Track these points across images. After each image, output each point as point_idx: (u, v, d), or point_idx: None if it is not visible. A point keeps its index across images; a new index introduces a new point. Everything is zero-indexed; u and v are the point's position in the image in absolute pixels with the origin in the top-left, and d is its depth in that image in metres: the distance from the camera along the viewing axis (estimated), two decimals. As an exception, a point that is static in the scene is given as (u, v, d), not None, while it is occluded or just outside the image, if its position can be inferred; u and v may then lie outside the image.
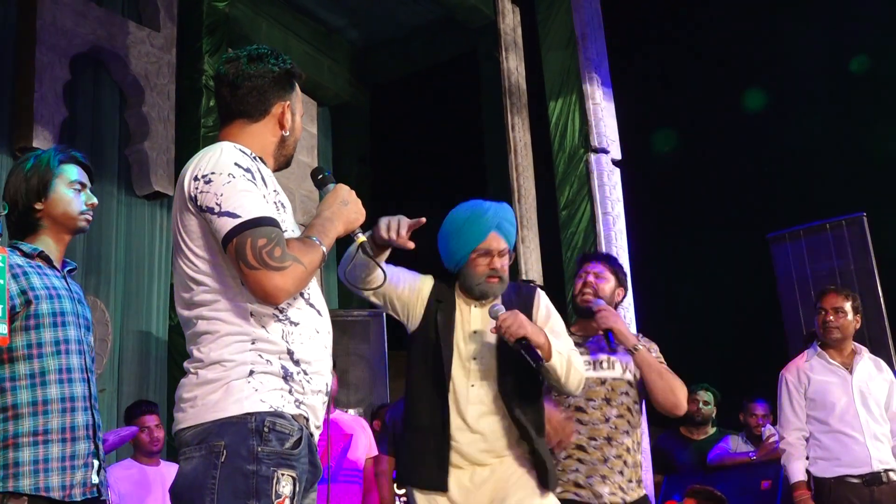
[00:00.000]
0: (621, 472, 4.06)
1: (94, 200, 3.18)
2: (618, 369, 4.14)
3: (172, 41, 8.37)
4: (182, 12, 8.46)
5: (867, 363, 5.13)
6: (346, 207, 2.57)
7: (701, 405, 7.32)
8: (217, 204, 2.38)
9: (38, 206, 3.06)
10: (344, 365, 7.85)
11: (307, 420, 2.46)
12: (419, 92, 10.71)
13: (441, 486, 3.40)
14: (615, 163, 7.62)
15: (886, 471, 4.93)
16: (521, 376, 3.49)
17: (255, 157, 2.53)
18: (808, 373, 5.11)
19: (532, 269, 8.82)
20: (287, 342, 2.44)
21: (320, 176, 2.71)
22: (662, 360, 4.28)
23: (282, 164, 2.72)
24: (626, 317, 6.86)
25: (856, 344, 5.18)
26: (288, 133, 2.67)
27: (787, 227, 7.58)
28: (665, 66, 10.05)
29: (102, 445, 3.02)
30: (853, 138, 8.97)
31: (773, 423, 7.14)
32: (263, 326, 2.42)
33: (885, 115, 8.75)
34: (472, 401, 3.45)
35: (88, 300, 3.46)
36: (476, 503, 3.42)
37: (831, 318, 5.07)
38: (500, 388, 3.47)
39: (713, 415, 7.38)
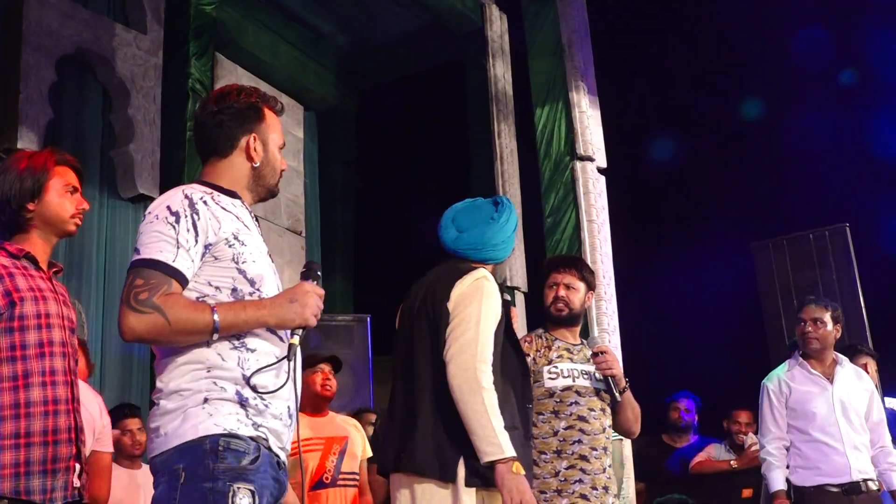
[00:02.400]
0: (614, 482, 4.20)
1: (86, 205, 3.17)
2: (604, 383, 4.24)
3: (159, 44, 8.35)
4: (169, 15, 8.43)
5: (848, 373, 5.17)
6: (289, 305, 2.55)
7: (683, 412, 7.36)
8: (137, 240, 2.54)
9: (31, 206, 3.04)
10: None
11: (267, 440, 2.51)
12: (406, 98, 10.71)
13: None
14: (600, 171, 7.64)
15: (865, 480, 4.96)
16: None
17: (203, 200, 2.58)
18: (790, 382, 5.14)
19: (517, 275, 8.86)
20: (242, 368, 2.50)
21: (304, 269, 2.71)
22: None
23: (263, 194, 2.80)
24: (608, 324, 6.90)
25: (836, 354, 5.21)
26: (259, 164, 2.73)
27: (770, 236, 7.63)
28: (651, 75, 10.09)
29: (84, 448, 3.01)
30: (838, 149, 9.02)
31: (756, 432, 7.18)
32: (219, 354, 2.49)
33: (871, 126, 8.81)
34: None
35: None
36: None
37: (810, 329, 5.10)
38: None
39: (695, 422, 7.42)
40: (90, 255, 7.60)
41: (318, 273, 2.68)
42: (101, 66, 7.95)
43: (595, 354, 4.18)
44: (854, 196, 8.46)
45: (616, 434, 4.40)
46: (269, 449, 2.52)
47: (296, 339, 2.58)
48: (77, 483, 2.88)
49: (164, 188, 2.55)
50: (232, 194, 2.69)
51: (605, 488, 4.10)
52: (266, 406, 2.52)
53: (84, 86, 7.94)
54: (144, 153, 8.03)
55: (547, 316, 4.38)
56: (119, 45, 7.96)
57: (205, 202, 2.58)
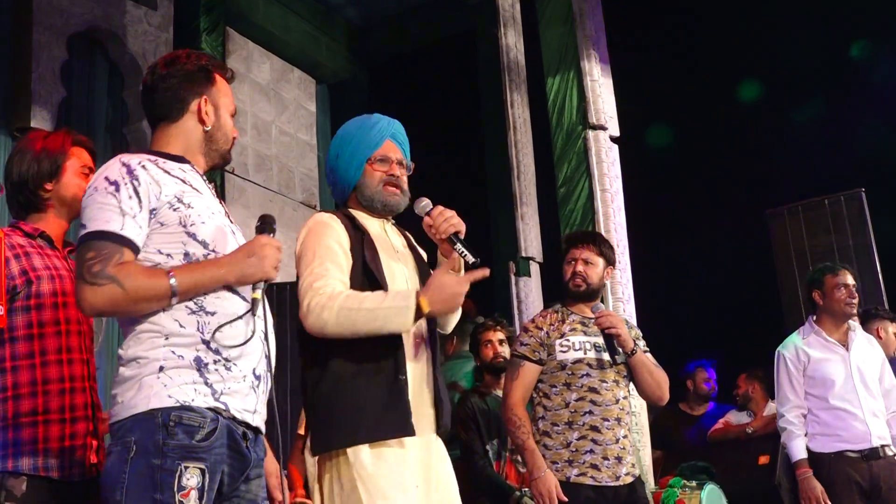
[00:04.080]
0: (630, 452, 4.21)
1: None
2: (622, 354, 4.25)
3: (169, 20, 8.35)
4: (179, -10, 8.44)
5: (861, 340, 5.18)
6: (248, 259, 2.51)
7: (706, 383, 7.36)
8: (81, 216, 2.51)
9: (48, 186, 3.07)
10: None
11: (227, 410, 2.46)
12: (418, 70, 10.68)
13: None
14: (613, 139, 7.60)
15: (883, 446, 4.99)
16: None
17: (142, 166, 2.51)
18: (807, 349, 5.15)
19: (532, 245, 8.84)
20: (202, 332, 2.46)
21: (258, 224, 2.62)
22: (646, 346, 4.44)
23: (216, 160, 2.74)
24: (623, 293, 6.88)
25: (849, 320, 5.22)
26: (211, 127, 2.69)
27: (785, 203, 7.58)
28: (663, 42, 10.01)
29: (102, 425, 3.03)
30: (854, 114, 8.94)
31: (772, 398, 7.18)
32: (177, 320, 2.46)
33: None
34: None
35: None
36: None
37: (856, 294, 5.14)
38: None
39: (714, 392, 7.42)
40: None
41: (274, 226, 2.60)
42: (112, 44, 7.96)
43: (596, 318, 4.23)
44: (869, 161, 8.39)
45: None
46: (233, 419, 2.47)
47: (258, 293, 2.53)
48: (94, 460, 2.90)
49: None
50: (179, 159, 2.64)
51: (619, 458, 4.13)
52: (228, 369, 2.48)
53: (95, 63, 7.96)
54: (157, 129, 8.06)
55: (565, 291, 4.42)
56: (130, 21, 7.97)
57: (143, 167, 2.52)
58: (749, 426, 6.90)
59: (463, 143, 9.61)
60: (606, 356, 4.23)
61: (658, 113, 9.67)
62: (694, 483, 5.82)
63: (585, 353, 4.23)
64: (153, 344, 2.44)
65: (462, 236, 3.06)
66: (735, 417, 7.12)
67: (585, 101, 7.56)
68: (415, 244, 3.29)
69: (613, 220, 7.17)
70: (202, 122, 2.69)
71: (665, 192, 9.51)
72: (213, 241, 2.54)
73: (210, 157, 2.73)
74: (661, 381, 4.32)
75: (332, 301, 2.85)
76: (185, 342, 2.45)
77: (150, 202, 2.49)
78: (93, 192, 2.49)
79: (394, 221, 3.29)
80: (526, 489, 5.00)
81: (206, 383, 2.44)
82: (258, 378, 2.55)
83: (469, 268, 3.06)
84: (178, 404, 2.39)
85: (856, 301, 5.16)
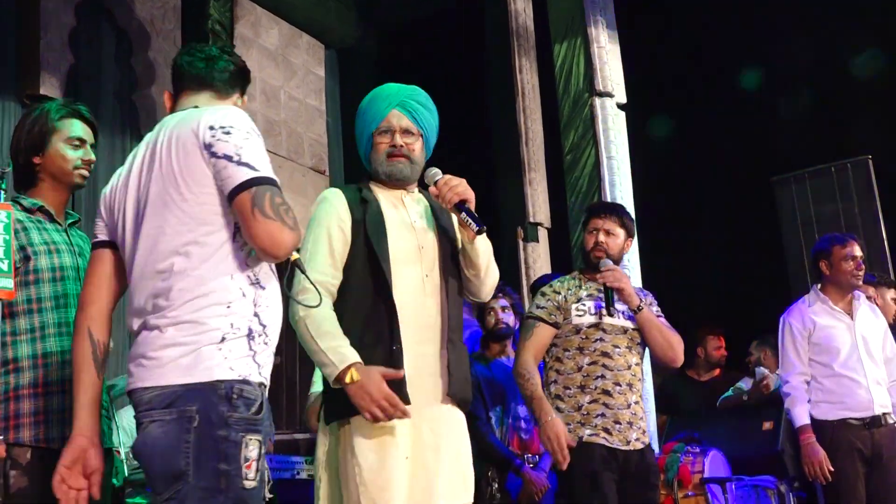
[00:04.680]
0: (641, 418, 4.25)
1: (92, 157, 3.21)
2: (631, 322, 4.29)
3: (178, -15, 8.35)
4: (187, -45, 8.43)
5: (865, 308, 5.21)
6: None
7: (714, 350, 7.39)
8: (237, 154, 2.42)
9: (37, 160, 3.12)
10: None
11: (265, 386, 2.51)
12: (426, 34, 10.63)
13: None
14: (620, 106, 7.59)
15: (885, 414, 5.03)
16: (456, 270, 3.24)
17: None
18: (813, 317, 5.18)
19: (540, 210, 8.85)
20: (255, 305, 2.47)
21: None
22: (660, 311, 4.44)
23: None
24: (629, 261, 6.90)
25: (855, 290, 5.24)
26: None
27: (791, 170, 7.57)
28: (671, 8, 9.94)
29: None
30: (861, 80, 8.89)
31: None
32: (241, 288, 2.46)
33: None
34: (428, 293, 3.14)
35: None
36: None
37: (862, 266, 5.17)
38: (445, 280, 3.19)
39: (723, 360, 7.45)
40: (115, 199, 7.67)
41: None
42: (120, 10, 7.97)
43: (601, 272, 4.26)
44: (876, 128, 8.35)
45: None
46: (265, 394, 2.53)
47: (296, 254, 2.59)
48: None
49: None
50: None
51: (630, 423, 4.17)
52: (267, 344, 2.51)
53: (102, 30, 7.97)
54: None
55: (585, 260, 4.44)
56: (138, -13, 7.97)
57: None
58: (745, 395, 6.94)
59: (471, 108, 9.58)
60: (620, 321, 4.26)
61: (666, 79, 9.62)
62: (697, 449, 5.87)
63: (600, 318, 4.26)
64: (216, 311, 2.41)
65: (471, 205, 3.09)
66: (748, 385, 7.15)
67: (592, 68, 7.54)
68: (440, 212, 3.25)
69: (620, 188, 7.18)
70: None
71: (672, 157, 9.49)
72: None
73: None
74: (673, 341, 4.29)
75: (308, 313, 2.95)
76: (244, 312, 2.44)
77: None
78: (247, 135, 2.47)
79: (419, 189, 3.31)
80: (529, 455, 5.06)
81: (255, 358, 2.46)
82: (273, 356, 2.60)
83: (476, 234, 3.10)
84: (239, 378, 2.41)
85: (862, 273, 5.18)
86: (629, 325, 4.29)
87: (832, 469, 4.99)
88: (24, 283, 2.96)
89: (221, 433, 2.35)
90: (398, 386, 2.95)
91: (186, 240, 2.44)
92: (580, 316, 4.28)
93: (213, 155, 2.42)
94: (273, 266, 2.57)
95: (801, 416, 5.15)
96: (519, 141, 8.91)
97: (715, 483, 5.72)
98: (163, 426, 2.37)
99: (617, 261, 4.38)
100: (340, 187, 3.23)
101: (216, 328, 2.40)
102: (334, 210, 3.11)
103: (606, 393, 4.17)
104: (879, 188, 7.03)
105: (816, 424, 5.11)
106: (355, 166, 10.50)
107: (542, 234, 8.86)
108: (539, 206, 8.84)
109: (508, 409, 5.08)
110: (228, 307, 2.42)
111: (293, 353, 6.98)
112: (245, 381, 2.41)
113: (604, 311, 4.27)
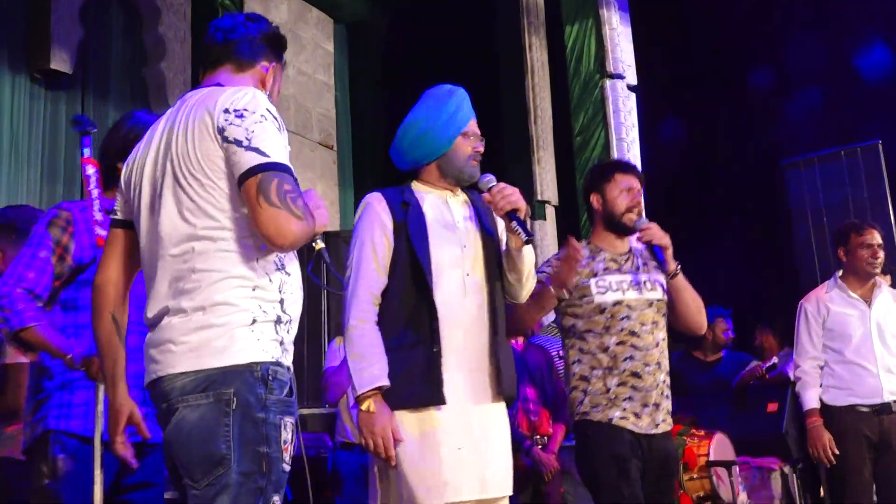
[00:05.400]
0: (667, 398, 3.91)
1: None
2: (658, 290, 3.91)
3: (188, -40, 8.33)
4: (197, -70, 8.40)
5: (886, 296, 5.22)
6: (318, 211, 2.49)
7: (722, 333, 7.42)
8: (247, 138, 2.32)
9: (119, 166, 3.13)
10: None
11: (291, 369, 2.46)
12: (436, 10, 10.59)
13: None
14: (630, 88, 7.58)
15: (895, 401, 5.05)
16: (498, 271, 3.29)
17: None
18: (828, 304, 5.21)
19: (548, 189, 8.88)
20: (281, 292, 2.42)
21: None
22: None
23: None
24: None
25: (877, 277, 5.25)
26: (267, 94, 2.57)
27: (801, 154, 7.55)
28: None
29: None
30: (870, 65, 8.86)
31: (781, 348, 7.27)
32: (266, 273, 2.39)
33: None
34: (470, 292, 3.18)
35: None
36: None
37: (880, 254, 5.15)
38: (487, 279, 3.23)
39: (729, 342, 7.48)
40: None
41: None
42: (130, -16, 7.95)
43: (642, 230, 3.86)
44: (887, 113, 8.33)
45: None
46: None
47: (321, 243, 2.57)
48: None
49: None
50: None
51: (657, 405, 3.81)
52: (288, 332, 2.44)
53: (112, 5, 7.95)
54: (176, 71, 8.08)
55: (613, 224, 3.96)
56: (148, -39, 7.95)
57: None
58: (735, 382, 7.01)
59: (480, 86, 9.54)
60: (645, 294, 3.86)
61: (676, 61, 9.59)
62: (703, 432, 5.92)
63: (624, 294, 3.87)
64: (242, 294, 2.34)
65: (521, 214, 3.15)
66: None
67: (603, 50, 7.55)
68: (484, 213, 3.30)
69: (629, 170, 7.17)
70: (263, 84, 2.62)
71: (682, 140, 9.48)
72: None
73: None
74: (701, 306, 3.98)
75: (349, 327, 3.08)
76: (270, 297, 2.38)
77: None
78: (262, 119, 2.36)
79: (460, 191, 3.34)
80: (538, 436, 5.11)
81: (282, 343, 2.40)
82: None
83: (524, 244, 3.17)
84: (273, 360, 2.36)
85: (879, 261, 5.16)
86: (654, 296, 3.89)
87: (836, 452, 5.03)
88: (86, 282, 2.98)
89: (261, 416, 2.30)
90: (436, 387, 3.03)
91: (205, 224, 2.36)
92: (602, 293, 3.87)
93: (225, 139, 2.33)
94: (295, 253, 2.52)
95: (811, 400, 5.20)
96: (528, 119, 8.92)
97: (720, 466, 5.78)
98: (198, 410, 2.29)
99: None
100: (381, 190, 3.27)
101: (246, 309, 2.34)
102: (376, 215, 3.17)
103: (636, 375, 3.79)
104: (889, 173, 7.01)
105: (826, 409, 5.16)
106: (363, 142, 10.58)
107: (550, 212, 8.88)
108: (547, 184, 8.86)
109: (517, 393, 5.11)
110: (254, 290, 2.36)
111: (300, 330, 7.03)
112: (278, 364, 2.36)
113: (645, 282, 3.86)
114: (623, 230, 3.94)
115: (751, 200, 8.86)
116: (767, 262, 8.31)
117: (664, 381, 3.88)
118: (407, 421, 3.03)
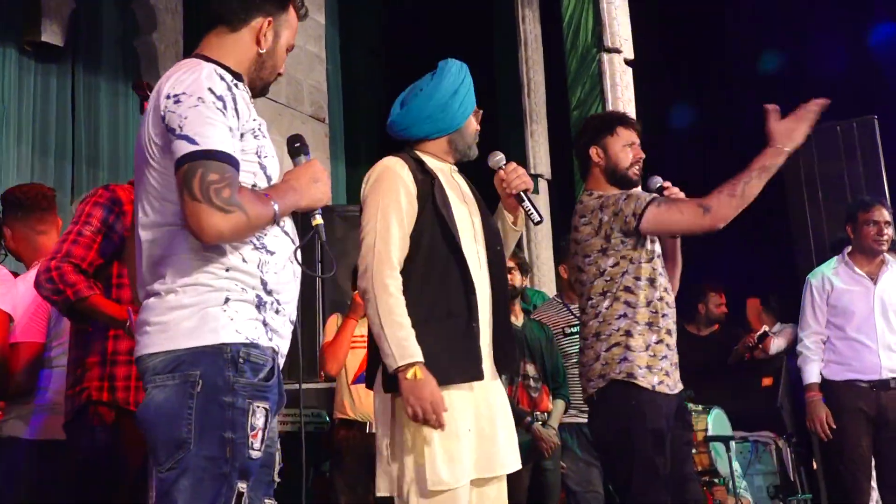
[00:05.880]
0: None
1: None
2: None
3: (178, -71, 8.22)
4: None
5: (892, 274, 5.25)
6: (315, 185, 2.47)
7: (715, 307, 7.46)
8: (179, 126, 2.27)
9: None
10: (354, 259, 7.93)
11: (276, 352, 2.41)
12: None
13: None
14: (628, 62, 7.56)
15: (894, 378, 5.10)
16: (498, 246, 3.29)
17: (234, 84, 2.41)
18: (833, 280, 5.26)
19: (541, 162, 8.88)
20: (261, 272, 2.37)
21: (296, 144, 2.59)
22: None
23: (257, 88, 2.60)
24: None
25: (885, 254, 5.28)
26: (265, 52, 2.53)
27: (797, 129, 7.51)
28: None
29: None
30: (868, 39, 8.85)
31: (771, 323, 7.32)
32: (241, 254, 2.35)
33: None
34: (483, 265, 3.16)
35: None
36: None
37: (887, 231, 5.17)
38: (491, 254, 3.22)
39: (723, 316, 7.52)
40: (117, 149, 7.64)
41: (304, 145, 2.58)
42: (121, -47, 7.85)
43: (663, 187, 3.82)
44: (884, 87, 8.33)
45: None
46: (276, 360, 2.42)
47: (320, 219, 2.50)
48: None
49: (188, 79, 2.45)
50: (239, 77, 2.49)
51: (676, 365, 3.76)
52: (277, 312, 2.41)
53: (104, -24, 7.85)
54: (167, 43, 7.99)
55: (621, 179, 3.87)
56: (138, -71, 7.85)
57: (237, 86, 2.41)
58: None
59: (474, 58, 9.49)
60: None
61: (673, 35, 9.56)
62: (700, 407, 5.97)
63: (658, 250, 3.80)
64: (214, 274, 2.31)
65: (529, 193, 3.20)
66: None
67: (601, 24, 7.50)
68: (475, 190, 3.32)
69: (626, 144, 7.16)
70: (258, 42, 2.52)
71: (679, 114, 9.47)
72: (275, 178, 2.47)
73: (254, 82, 2.57)
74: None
75: (383, 294, 2.93)
76: (246, 278, 2.34)
77: (243, 125, 2.38)
78: (197, 102, 2.28)
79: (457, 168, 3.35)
80: (538, 413, 5.13)
81: (264, 322, 2.36)
82: (292, 323, 2.51)
83: (535, 225, 3.22)
84: (246, 341, 2.31)
85: (884, 237, 5.19)
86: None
87: (833, 427, 5.08)
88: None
89: (227, 399, 2.26)
90: (476, 363, 3.02)
91: (170, 210, 2.34)
92: (653, 241, 3.76)
93: (167, 127, 2.30)
94: (287, 229, 2.48)
95: (811, 374, 5.26)
96: (521, 92, 8.90)
97: (718, 441, 5.84)
98: (164, 391, 2.27)
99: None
100: (398, 155, 3.18)
101: (219, 289, 2.31)
102: (401, 180, 3.07)
103: (669, 333, 3.72)
104: (884, 148, 7.01)
105: (825, 384, 5.24)
106: (354, 114, 10.51)
107: (543, 186, 8.87)
108: (540, 157, 8.86)
109: (517, 367, 5.12)
110: (227, 271, 2.32)
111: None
112: (253, 345, 2.32)
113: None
114: (626, 184, 3.85)
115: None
116: (762, 236, 8.33)
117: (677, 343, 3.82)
118: None
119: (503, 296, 3.23)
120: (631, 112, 7.30)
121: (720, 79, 9.54)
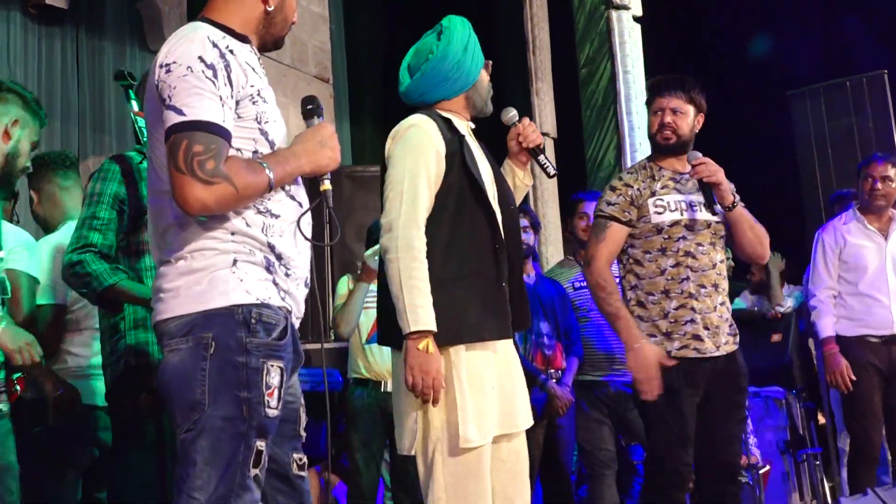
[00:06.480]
0: (727, 320, 3.90)
1: None
2: (720, 207, 3.88)
3: None
4: None
5: None
6: (322, 150, 2.44)
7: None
8: (168, 96, 2.27)
9: None
10: (361, 220, 7.94)
11: (290, 311, 2.42)
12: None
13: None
14: (636, 19, 7.51)
15: None
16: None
17: (229, 49, 2.36)
18: (846, 235, 5.26)
19: (546, 121, 8.82)
20: (267, 235, 2.37)
21: (309, 106, 2.55)
22: (739, 198, 4.02)
23: (269, 44, 2.56)
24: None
25: (893, 210, 5.27)
26: (273, 8, 2.49)
27: (807, 84, 7.51)
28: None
29: None
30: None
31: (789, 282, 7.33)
32: (244, 218, 2.35)
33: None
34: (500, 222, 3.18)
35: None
36: None
37: (880, 185, 5.17)
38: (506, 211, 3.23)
39: (730, 271, 7.53)
40: (123, 111, 7.61)
41: (319, 106, 2.55)
42: (123, -87, 7.77)
43: (693, 166, 3.80)
44: (893, 42, 8.27)
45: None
46: (290, 319, 2.43)
47: (328, 184, 2.49)
48: None
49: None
50: (243, 38, 2.46)
51: (718, 327, 3.81)
52: (288, 275, 2.41)
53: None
54: (171, 5, 7.93)
55: (653, 145, 4.05)
56: None
57: (231, 51, 2.36)
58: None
59: (477, 16, 9.43)
60: (702, 215, 3.84)
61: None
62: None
63: (682, 214, 3.85)
64: (220, 238, 2.33)
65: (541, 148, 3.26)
66: (746, 301, 7.27)
67: (608, -21, 7.44)
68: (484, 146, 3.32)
69: (635, 102, 7.16)
70: (265, 0, 2.49)
71: (688, 72, 9.39)
72: (279, 145, 2.44)
73: (264, 38, 2.54)
74: (762, 236, 3.94)
75: (407, 255, 2.94)
76: (252, 241, 2.35)
77: (238, 92, 2.34)
78: (186, 72, 2.27)
79: None
80: (552, 371, 5.14)
81: (275, 283, 2.38)
82: (307, 286, 2.51)
83: (549, 178, 3.33)
84: (257, 301, 2.32)
85: (879, 192, 5.17)
86: (713, 218, 3.88)
87: (854, 379, 5.08)
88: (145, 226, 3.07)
89: (240, 359, 2.27)
90: (504, 319, 3.07)
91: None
92: (660, 213, 3.86)
93: (160, 96, 2.31)
94: (294, 193, 2.47)
95: (826, 328, 5.25)
96: (526, 49, 8.83)
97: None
98: (179, 355, 2.30)
99: (690, 141, 3.97)
100: (426, 113, 3.16)
101: (226, 251, 2.32)
102: (429, 139, 3.06)
103: (692, 297, 3.77)
104: (894, 103, 6.99)
105: (838, 340, 5.22)
106: (358, 74, 10.46)
107: (549, 145, 8.83)
108: (546, 116, 8.80)
109: (531, 325, 5.12)
110: (233, 234, 2.33)
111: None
112: (264, 305, 2.33)
113: (698, 207, 3.84)
114: (657, 149, 4.01)
115: (756, 131, 8.83)
116: (772, 192, 8.31)
117: (722, 304, 3.87)
118: (460, 356, 2.98)
119: (518, 255, 3.23)
120: (639, 69, 7.27)
121: (728, 32, 9.45)
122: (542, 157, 3.26)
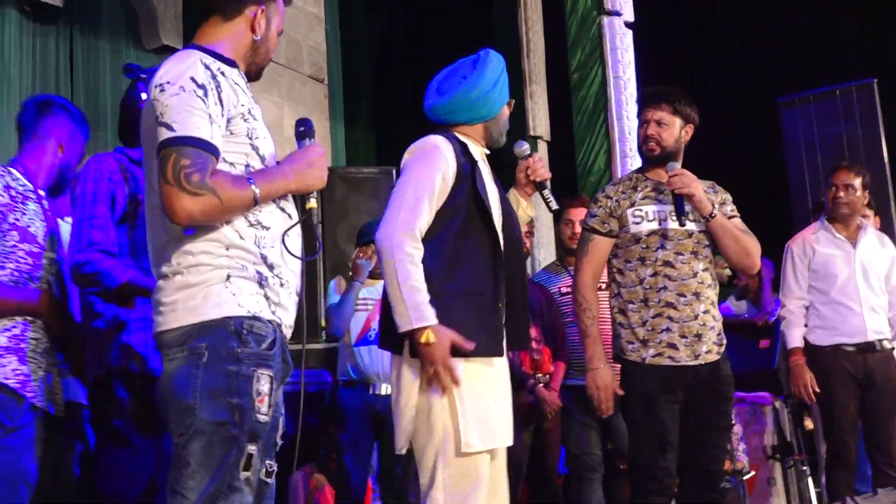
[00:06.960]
0: (712, 328, 3.90)
1: None
2: (692, 216, 3.90)
3: None
4: None
5: (871, 238, 5.27)
6: (310, 170, 2.57)
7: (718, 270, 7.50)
8: (161, 113, 2.40)
9: None
10: (354, 221, 7.96)
11: (279, 324, 2.53)
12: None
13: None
14: (628, 25, 7.54)
15: (880, 340, 5.14)
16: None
17: (220, 72, 2.50)
18: (814, 245, 5.26)
19: (540, 124, 8.86)
20: (259, 247, 2.49)
21: (302, 128, 2.68)
22: (734, 209, 4.10)
23: (252, 72, 2.70)
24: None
25: (861, 219, 5.30)
26: (259, 39, 2.64)
27: (797, 92, 7.55)
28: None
29: None
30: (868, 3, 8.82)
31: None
32: (237, 231, 2.47)
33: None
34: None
35: None
36: None
37: (841, 194, 5.18)
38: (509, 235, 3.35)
39: (726, 278, 7.56)
40: (118, 107, 7.62)
41: (310, 126, 2.68)
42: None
43: (669, 177, 3.84)
44: (883, 51, 8.32)
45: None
46: (280, 332, 2.54)
47: (314, 203, 2.61)
48: None
49: (187, 40, 2.47)
50: (232, 63, 2.59)
51: (698, 336, 3.84)
52: (281, 285, 2.53)
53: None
54: (167, 3, 7.96)
55: (640, 156, 4.11)
56: None
57: (222, 73, 2.50)
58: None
59: (473, 19, 9.48)
60: (687, 225, 3.86)
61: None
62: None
63: (659, 224, 3.92)
64: (215, 253, 2.45)
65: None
66: (736, 307, 7.31)
67: (601, -14, 7.47)
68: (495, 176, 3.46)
69: (626, 107, 7.19)
70: (253, 30, 2.64)
71: (678, 78, 9.44)
72: (269, 158, 2.57)
73: (249, 67, 2.68)
74: (749, 247, 3.94)
75: (404, 259, 3.04)
76: (245, 255, 2.47)
77: (228, 111, 2.48)
78: (179, 91, 2.40)
79: None
80: (539, 375, 5.18)
81: (266, 296, 2.49)
82: (298, 295, 2.63)
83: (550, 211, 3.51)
84: (248, 314, 2.44)
85: (842, 201, 5.17)
86: (695, 228, 3.90)
87: (817, 391, 5.11)
88: (133, 226, 3.18)
89: (232, 368, 2.39)
90: (497, 337, 3.16)
91: None
92: (637, 223, 3.94)
93: (153, 114, 2.43)
94: (284, 206, 2.58)
95: (794, 339, 5.27)
96: (520, 53, 8.86)
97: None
98: (174, 363, 2.44)
99: (676, 153, 3.98)
100: (445, 135, 3.26)
101: (220, 266, 2.45)
102: (444, 159, 3.17)
103: (670, 305, 3.83)
104: (884, 112, 7.03)
105: (812, 349, 5.22)
106: (353, 75, 10.49)
107: (542, 148, 8.87)
108: (540, 119, 8.84)
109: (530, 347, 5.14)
110: (228, 249, 2.46)
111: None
112: (255, 318, 2.45)
113: (670, 216, 3.88)
114: (644, 161, 4.09)
115: (746, 138, 8.87)
116: (761, 199, 8.36)
117: (705, 312, 3.88)
118: (458, 367, 3.03)
119: (521, 279, 3.35)
120: (630, 74, 7.30)
121: (719, 38, 9.50)
122: (546, 192, 3.42)
